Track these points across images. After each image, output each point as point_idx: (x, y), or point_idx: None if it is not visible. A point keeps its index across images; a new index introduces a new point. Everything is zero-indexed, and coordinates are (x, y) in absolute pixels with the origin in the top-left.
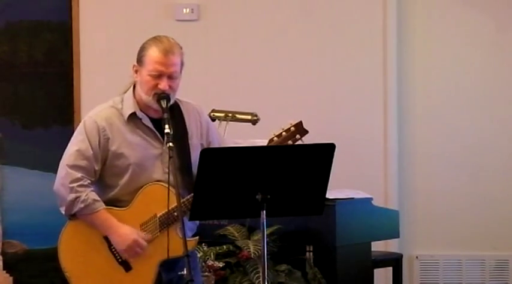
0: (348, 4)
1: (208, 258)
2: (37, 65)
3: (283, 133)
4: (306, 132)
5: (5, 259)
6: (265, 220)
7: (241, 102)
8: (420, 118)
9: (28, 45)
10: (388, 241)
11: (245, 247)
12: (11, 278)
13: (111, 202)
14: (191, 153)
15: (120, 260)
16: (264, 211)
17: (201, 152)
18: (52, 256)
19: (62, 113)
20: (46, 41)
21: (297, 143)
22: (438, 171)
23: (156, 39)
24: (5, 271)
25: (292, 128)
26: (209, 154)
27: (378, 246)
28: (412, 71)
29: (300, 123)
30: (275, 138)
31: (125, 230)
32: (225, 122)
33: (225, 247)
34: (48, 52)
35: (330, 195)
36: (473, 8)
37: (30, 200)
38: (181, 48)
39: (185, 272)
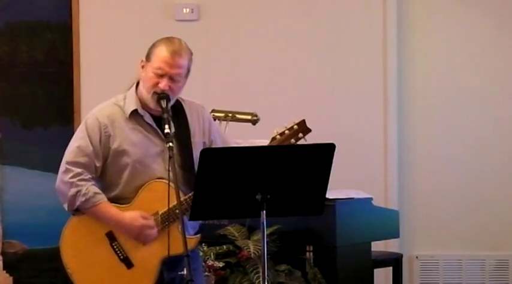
0: (348, 4)
1: (208, 258)
2: (37, 65)
3: (286, 131)
4: (309, 130)
5: (5, 259)
6: (265, 220)
7: (241, 102)
8: (420, 118)
9: (28, 45)
10: (388, 241)
11: (245, 247)
12: (11, 278)
13: (114, 200)
14: (193, 150)
15: (121, 257)
16: (264, 211)
17: (201, 152)
18: (52, 256)
19: (62, 113)
20: (46, 41)
21: (299, 142)
22: (438, 171)
23: (167, 39)
24: (5, 271)
25: (295, 126)
26: (209, 154)
27: (378, 246)
28: (412, 71)
29: (303, 121)
30: (278, 136)
31: (129, 219)
32: (225, 122)
33: (225, 247)
34: (48, 52)
35: (330, 195)
36: (474, 8)
37: (30, 200)
38: (191, 53)
39: (185, 272)
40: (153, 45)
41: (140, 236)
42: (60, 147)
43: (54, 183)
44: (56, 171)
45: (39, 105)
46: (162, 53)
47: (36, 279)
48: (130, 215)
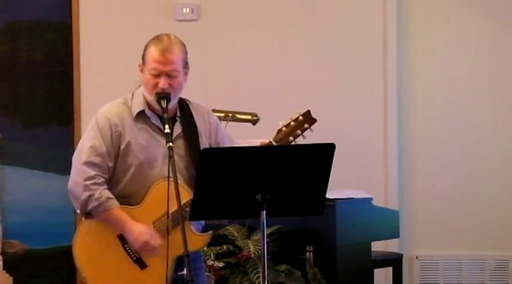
0: (348, 4)
1: (208, 258)
2: (37, 64)
3: (292, 122)
4: (315, 120)
5: (5, 259)
6: (265, 220)
7: (241, 102)
8: (420, 118)
9: (28, 45)
10: (388, 241)
11: (245, 247)
12: (11, 278)
13: (118, 198)
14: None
15: (135, 258)
16: (264, 211)
17: (200, 152)
18: (52, 256)
19: (61, 113)
20: (46, 41)
21: (305, 132)
22: (438, 171)
23: (156, 38)
24: (5, 271)
25: (301, 117)
26: (209, 154)
27: (378, 246)
28: (412, 71)
29: (308, 112)
30: (283, 128)
31: (138, 230)
32: (225, 122)
33: (225, 247)
34: (48, 52)
35: (330, 195)
36: (474, 8)
37: (30, 200)
38: (183, 45)
39: (185, 272)
40: (145, 47)
41: (142, 250)
42: (60, 147)
43: (54, 183)
44: (56, 171)
45: (39, 105)
46: (152, 53)
47: (36, 279)
48: (139, 228)
